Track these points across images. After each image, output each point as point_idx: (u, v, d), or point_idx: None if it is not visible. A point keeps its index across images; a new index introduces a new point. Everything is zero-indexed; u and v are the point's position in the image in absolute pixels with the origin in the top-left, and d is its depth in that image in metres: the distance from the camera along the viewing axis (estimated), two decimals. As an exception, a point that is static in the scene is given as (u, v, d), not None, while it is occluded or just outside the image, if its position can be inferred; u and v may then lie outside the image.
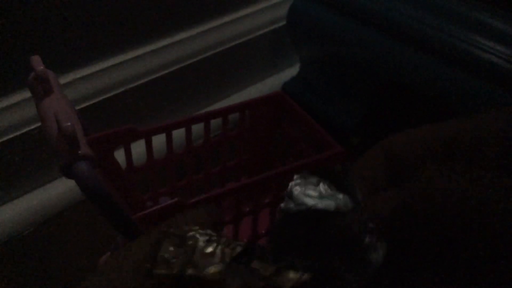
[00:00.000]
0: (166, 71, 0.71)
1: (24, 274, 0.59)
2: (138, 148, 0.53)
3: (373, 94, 0.69)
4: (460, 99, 0.57)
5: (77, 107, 0.63)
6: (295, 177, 0.22)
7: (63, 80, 0.63)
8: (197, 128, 0.53)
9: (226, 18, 0.77)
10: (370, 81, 0.68)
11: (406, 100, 0.65)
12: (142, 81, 0.69)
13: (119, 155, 0.49)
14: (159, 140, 0.51)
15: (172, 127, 0.50)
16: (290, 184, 0.22)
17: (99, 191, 0.31)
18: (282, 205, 0.21)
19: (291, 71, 0.88)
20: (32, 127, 0.61)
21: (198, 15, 0.73)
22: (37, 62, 0.38)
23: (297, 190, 0.21)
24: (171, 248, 0.22)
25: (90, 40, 0.63)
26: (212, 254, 0.21)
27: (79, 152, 0.32)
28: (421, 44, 0.59)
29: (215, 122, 0.54)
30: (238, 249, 0.21)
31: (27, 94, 0.58)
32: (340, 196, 0.21)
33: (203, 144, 0.55)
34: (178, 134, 0.51)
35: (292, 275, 0.19)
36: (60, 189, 0.67)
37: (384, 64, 0.64)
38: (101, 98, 0.65)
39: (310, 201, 0.20)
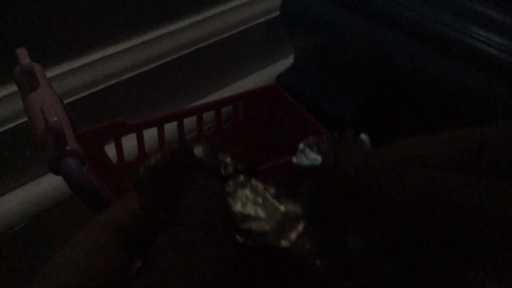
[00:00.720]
0: (157, 64, 0.70)
1: (15, 269, 0.59)
2: (129, 142, 0.53)
3: (369, 86, 0.69)
4: (456, 90, 0.57)
5: (66, 101, 0.62)
6: (308, 138, 0.21)
7: (51, 73, 0.62)
8: (190, 121, 0.53)
9: (218, 9, 0.76)
10: (365, 72, 0.68)
11: (402, 91, 0.65)
12: (133, 73, 0.68)
13: (110, 150, 0.48)
14: (151, 134, 0.51)
15: (163, 120, 0.50)
16: (302, 143, 0.21)
17: (88, 188, 0.30)
18: (294, 159, 0.21)
19: (285, 63, 0.87)
20: (21, 121, 0.60)
21: (189, 5, 0.73)
22: (22, 55, 0.37)
23: (310, 147, 0.21)
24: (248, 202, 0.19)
25: (79, 32, 0.62)
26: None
27: (67, 147, 0.31)
28: (417, 35, 0.59)
29: (208, 115, 0.53)
30: (271, 191, 0.20)
31: (14, 87, 0.57)
32: None
33: (196, 137, 0.55)
34: (170, 127, 0.51)
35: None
36: (52, 183, 0.66)
37: (380, 55, 0.64)
38: (91, 91, 0.65)
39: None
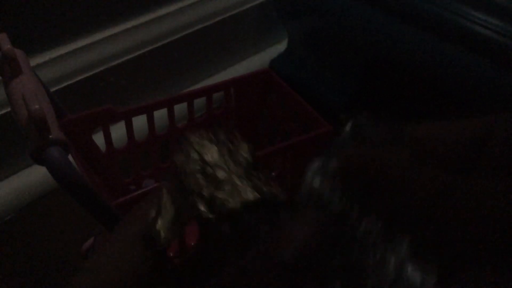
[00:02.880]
0: (147, 49, 0.69)
1: (6, 260, 0.59)
2: (119, 130, 0.52)
3: (364, 70, 0.68)
4: (452, 73, 0.57)
5: (54, 89, 0.61)
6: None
7: (38, 60, 0.61)
8: (180, 108, 0.52)
9: (210, -8, 0.76)
10: (360, 57, 0.67)
11: (397, 76, 0.64)
12: (122, 60, 0.67)
13: (99, 138, 0.47)
14: (140, 122, 0.50)
15: (153, 107, 0.49)
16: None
17: (72, 177, 0.29)
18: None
19: (279, 48, 0.87)
20: (7, 110, 0.59)
21: (180, -11, 0.72)
22: (3, 41, 0.35)
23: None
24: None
25: (66, 17, 0.61)
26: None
27: (50, 136, 0.30)
28: (413, 19, 0.58)
29: (199, 102, 0.53)
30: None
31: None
32: None
33: (187, 124, 0.54)
34: (160, 114, 0.50)
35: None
36: (42, 173, 0.65)
37: (376, 39, 0.63)
38: (79, 78, 0.64)
39: None
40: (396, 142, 0.20)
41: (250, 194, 0.21)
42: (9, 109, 0.59)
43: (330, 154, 0.22)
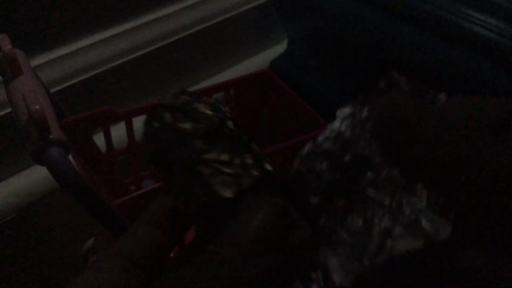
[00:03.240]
0: (147, 50, 0.69)
1: (7, 260, 0.59)
2: (119, 130, 0.52)
3: (364, 71, 0.68)
4: (452, 74, 0.57)
5: (54, 90, 0.61)
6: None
7: (39, 60, 0.61)
8: (181, 109, 0.52)
9: (210, -7, 0.75)
10: (360, 58, 0.67)
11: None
12: (122, 60, 0.67)
13: (99, 138, 0.48)
14: (141, 122, 0.50)
15: (153, 108, 0.49)
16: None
17: (72, 177, 0.29)
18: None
19: (279, 48, 0.87)
20: (8, 110, 0.59)
21: (180, -10, 0.72)
22: (4, 41, 0.35)
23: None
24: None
25: (67, 18, 0.61)
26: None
27: (50, 136, 0.30)
28: (413, 19, 0.58)
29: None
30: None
31: None
32: None
33: (187, 125, 0.54)
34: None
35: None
36: (43, 173, 0.65)
37: (375, 40, 0.63)
38: (79, 79, 0.64)
39: None
40: (428, 104, 0.21)
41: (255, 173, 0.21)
42: (9, 110, 0.59)
43: (363, 102, 0.22)
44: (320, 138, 0.22)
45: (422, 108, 0.20)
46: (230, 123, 0.22)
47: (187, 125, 0.21)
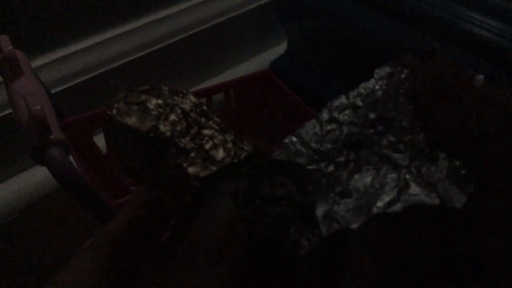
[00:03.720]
0: (147, 51, 0.69)
1: (7, 261, 0.59)
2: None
3: (364, 72, 0.68)
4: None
5: (54, 90, 0.61)
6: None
7: (39, 61, 0.61)
8: (181, 110, 0.52)
9: (210, -5, 0.75)
10: (360, 59, 0.67)
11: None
12: (123, 61, 0.67)
13: (99, 139, 0.48)
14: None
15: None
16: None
17: (72, 177, 0.29)
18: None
19: (278, 49, 0.87)
20: (9, 111, 0.59)
21: (180, -9, 0.71)
22: (4, 42, 0.36)
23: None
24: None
25: (67, 19, 0.61)
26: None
27: (51, 137, 0.30)
28: (412, 20, 0.58)
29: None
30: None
31: None
32: None
33: (187, 126, 0.54)
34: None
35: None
36: (44, 174, 0.65)
37: (375, 41, 0.63)
38: (79, 80, 0.64)
39: None
40: (469, 81, 0.21)
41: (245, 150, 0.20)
42: (10, 111, 0.59)
43: (404, 63, 0.22)
44: (352, 93, 0.23)
45: (463, 83, 0.20)
46: (185, 106, 0.21)
47: (133, 120, 0.20)
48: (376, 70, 0.22)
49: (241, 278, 0.17)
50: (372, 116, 0.21)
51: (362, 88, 0.22)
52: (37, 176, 0.66)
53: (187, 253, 0.17)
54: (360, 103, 0.22)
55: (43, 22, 0.59)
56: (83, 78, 0.64)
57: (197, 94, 0.52)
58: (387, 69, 0.22)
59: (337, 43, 0.69)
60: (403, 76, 0.21)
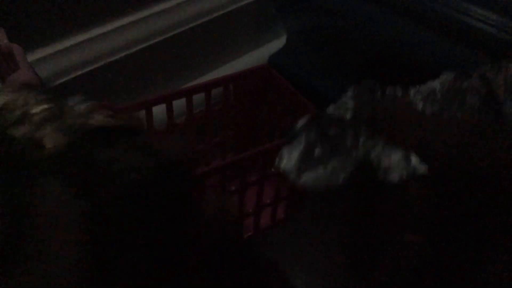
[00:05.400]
0: (145, 45, 0.68)
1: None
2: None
3: (363, 67, 0.68)
4: (453, 69, 0.57)
5: (52, 84, 0.61)
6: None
7: (36, 55, 0.60)
8: (179, 104, 0.51)
9: (208, -12, 0.75)
10: (360, 53, 0.67)
11: (397, 73, 0.64)
12: (120, 55, 0.66)
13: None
14: (138, 118, 0.49)
15: (151, 103, 0.49)
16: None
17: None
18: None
19: (278, 44, 0.86)
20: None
21: (178, -16, 0.71)
22: (0, 36, 0.35)
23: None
24: None
25: (64, 13, 0.61)
26: None
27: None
28: (413, 15, 0.58)
29: (198, 97, 0.52)
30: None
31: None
32: None
33: (185, 120, 0.54)
34: (159, 110, 0.50)
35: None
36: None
37: (375, 36, 0.63)
38: (77, 74, 0.63)
39: None
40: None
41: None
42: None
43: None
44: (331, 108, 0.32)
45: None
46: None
47: None
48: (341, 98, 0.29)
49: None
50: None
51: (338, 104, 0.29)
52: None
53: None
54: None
55: (40, 16, 0.59)
56: (80, 72, 0.64)
57: (196, 89, 0.51)
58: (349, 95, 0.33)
59: (336, 37, 0.69)
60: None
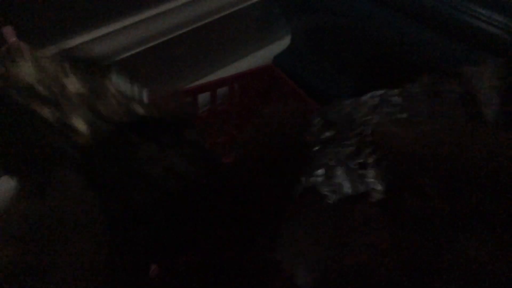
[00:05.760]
0: (151, 44, 0.68)
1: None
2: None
3: (368, 67, 0.68)
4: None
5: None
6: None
7: (43, 54, 0.60)
8: (184, 103, 0.51)
9: (213, -12, 0.75)
10: (364, 54, 0.67)
11: (401, 72, 0.64)
12: (125, 55, 0.66)
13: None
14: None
15: None
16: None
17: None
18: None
19: (282, 44, 0.86)
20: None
21: (184, -16, 0.71)
22: (8, 33, 0.35)
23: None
24: None
25: (71, 12, 0.61)
26: None
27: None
28: (417, 15, 0.58)
29: (203, 97, 0.52)
30: None
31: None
32: None
33: (191, 119, 0.54)
34: (164, 109, 0.50)
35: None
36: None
37: (380, 36, 0.63)
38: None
39: None
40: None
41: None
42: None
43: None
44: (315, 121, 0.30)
45: None
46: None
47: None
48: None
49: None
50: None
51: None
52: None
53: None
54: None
55: (47, 15, 0.59)
56: (86, 71, 0.64)
57: (201, 88, 0.52)
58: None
59: (340, 37, 0.69)
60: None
